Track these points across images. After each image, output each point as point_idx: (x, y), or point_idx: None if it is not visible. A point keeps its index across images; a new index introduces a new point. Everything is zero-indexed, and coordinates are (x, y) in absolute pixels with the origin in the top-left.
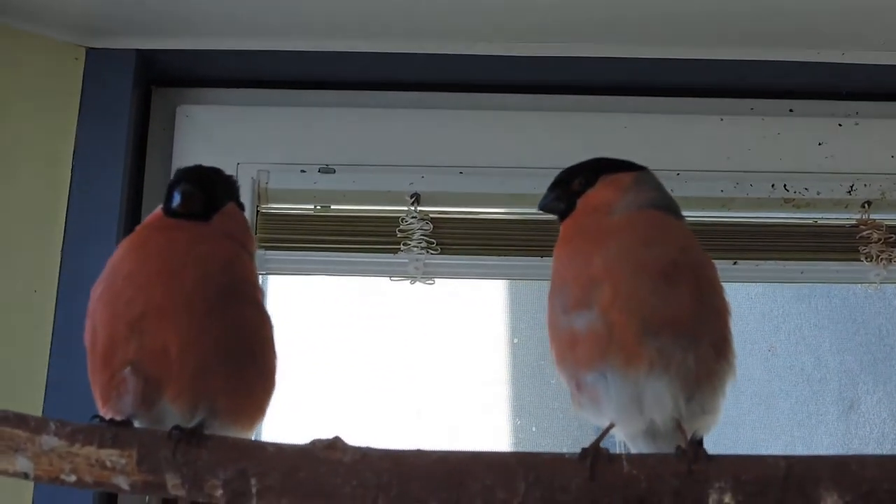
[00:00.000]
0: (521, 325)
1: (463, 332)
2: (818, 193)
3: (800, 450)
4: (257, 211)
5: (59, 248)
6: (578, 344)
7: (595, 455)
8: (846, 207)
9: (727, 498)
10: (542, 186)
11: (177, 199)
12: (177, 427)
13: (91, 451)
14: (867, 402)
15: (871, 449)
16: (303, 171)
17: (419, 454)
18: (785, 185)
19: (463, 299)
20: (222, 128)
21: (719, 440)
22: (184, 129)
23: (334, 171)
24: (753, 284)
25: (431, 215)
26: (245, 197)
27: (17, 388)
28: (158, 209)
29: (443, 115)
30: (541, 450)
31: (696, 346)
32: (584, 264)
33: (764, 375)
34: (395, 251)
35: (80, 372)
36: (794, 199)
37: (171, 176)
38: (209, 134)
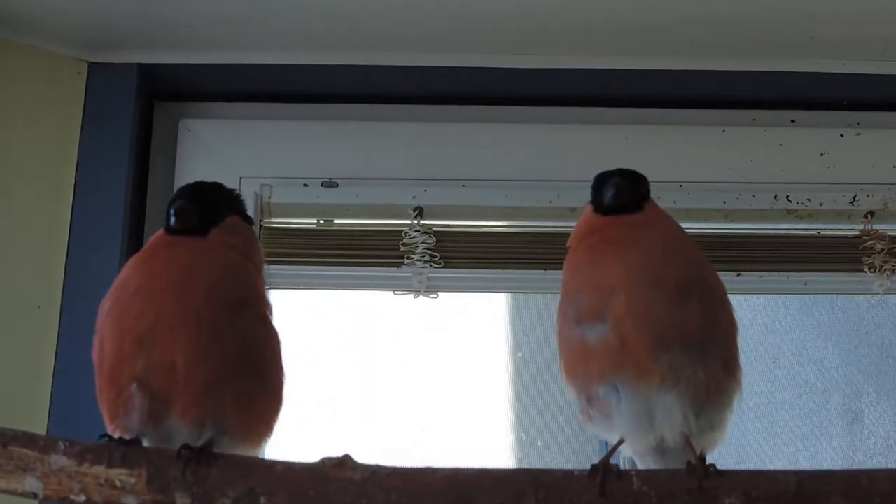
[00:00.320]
0: (525, 339)
1: (467, 347)
2: (821, 204)
3: (804, 462)
4: (260, 225)
5: (63, 263)
6: (591, 356)
7: (605, 472)
8: (849, 218)
9: None
10: (544, 199)
11: (172, 217)
12: (186, 446)
13: (100, 470)
14: (871, 414)
15: (875, 461)
16: (306, 185)
17: (428, 472)
18: (787, 196)
19: (467, 313)
20: (225, 142)
21: (723, 453)
22: (186, 144)
23: (337, 185)
24: (756, 296)
25: (435, 229)
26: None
27: (21, 405)
28: (161, 230)
29: (446, 129)
30: (547, 465)
31: (707, 361)
32: (604, 271)
33: (767, 387)
34: (399, 265)
35: (83, 389)
36: (796, 210)
37: (174, 190)
38: (212, 148)
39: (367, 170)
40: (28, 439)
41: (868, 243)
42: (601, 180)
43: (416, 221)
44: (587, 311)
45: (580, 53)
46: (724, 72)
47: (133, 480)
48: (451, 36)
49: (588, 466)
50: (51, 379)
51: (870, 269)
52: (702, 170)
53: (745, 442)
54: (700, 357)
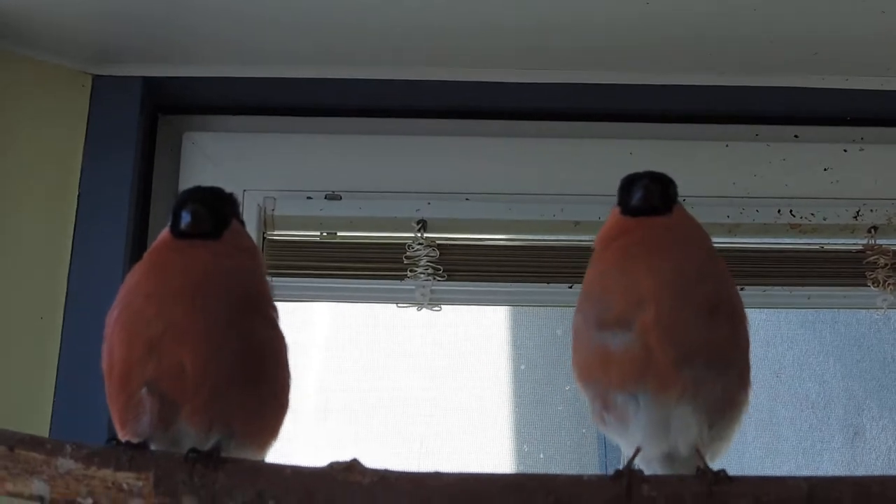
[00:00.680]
0: (528, 352)
1: (470, 359)
2: (824, 219)
3: None
4: (263, 238)
5: (66, 275)
6: (611, 363)
7: (630, 476)
8: (852, 233)
9: None
10: (548, 213)
11: (186, 220)
12: (193, 450)
13: (108, 473)
14: (872, 429)
15: None
16: (309, 198)
17: (437, 476)
18: (791, 211)
19: (470, 326)
20: (228, 155)
21: (724, 466)
22: (190, 156)
23: (340, 198)
24: (759, 310)
25: (438, 242)
26: (251, 224)
27: (24, 414)
28: (165, 232)
29: (449, 142)
30: None
31: (726, 376)
32: (635, 279)
33: (769, 402)
34: (402, 278)
35: (85, 398)
36: (800, 225)
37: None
38: (215, 161)
39: (370, 183)
40: (35, 443)
41: (871, 258)
42: (630, 181)
43: (419, 234)
44: (612, 317)
45: (585, 68)
46: (728, 87)
47: (140, 484)
48: (454, 50)
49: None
50: (53, 389)
51: (873, 283)
52: (705, 184)
53: (746, 456)
54: (721, 371)
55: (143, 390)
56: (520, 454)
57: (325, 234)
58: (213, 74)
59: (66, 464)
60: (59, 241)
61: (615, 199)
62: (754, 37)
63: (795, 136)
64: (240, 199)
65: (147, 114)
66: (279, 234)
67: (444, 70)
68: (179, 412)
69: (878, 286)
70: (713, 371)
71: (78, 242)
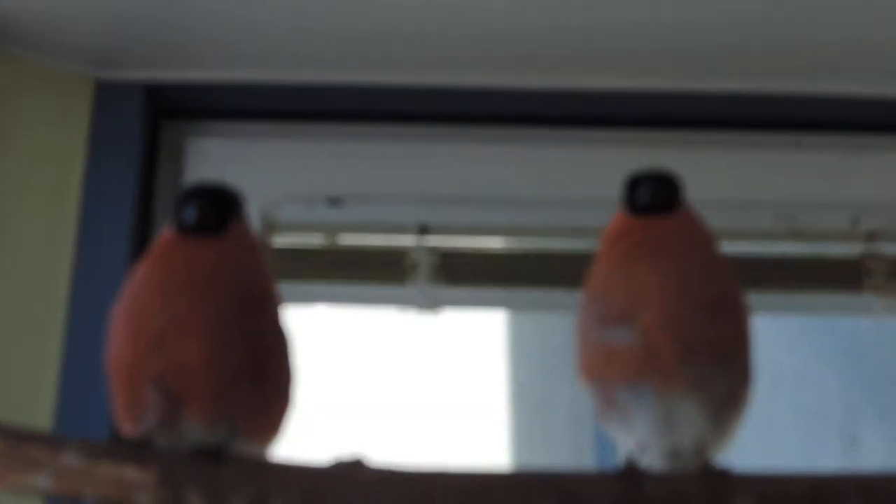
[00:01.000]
0: (527, 357)
1: (470, 365)
2: (823, 225)
3: None
4: (266, 242)
5: (68, 278)
6: (615, 359)
7: (634, 472)
8: (851, 239)
9: None
10: (548, 219)
11: (190, 215)
12: (198, 445)
13: (112, 468)
14: (869, 438)
15: None
16: (311, 203)
17: (442, 474)
18: (791, 217)
19: (470, 332)
20: (231, 160)
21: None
22: (192, 162)
23: (342, 203)
24: (757, 317)
25: (439, 247)
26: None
27: (27, 411)
28: (169, 229)
29: (450, 148)
30: None
31: (729, 372)
32: (637, 278)
33: (766, 410)
34: (403, 282)
35: (87, 395)
36: (799, 231)
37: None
38: (218, 166)
39: (371, 188)
40: (40, 437)
41: (869, 265)
42: (636, 181)
43: (420, 239)
44: (615, 315)
45: (585, 75)
46: (727, 94)
47: (144, 479)
48: (455, 56)
49: None
50: (55, 386)
51: (871, 289)
52: (705, 190)
53: (743, 463)
54: (724, 368)
55: (148, 387)
56: (518, 458)
57: (326, 238)
58: (216, 80)
59: (70, 459)
60: (61, 244)
61: (616, 205)
62: (755, 44)
63: (797, 143)
64: (245, 207)
65: (149, 118)
66: (281, 240)
67: (447, 76)
68: (184, 408)
69: (875, 292)
70: (716, 367)
71: (80, 245)
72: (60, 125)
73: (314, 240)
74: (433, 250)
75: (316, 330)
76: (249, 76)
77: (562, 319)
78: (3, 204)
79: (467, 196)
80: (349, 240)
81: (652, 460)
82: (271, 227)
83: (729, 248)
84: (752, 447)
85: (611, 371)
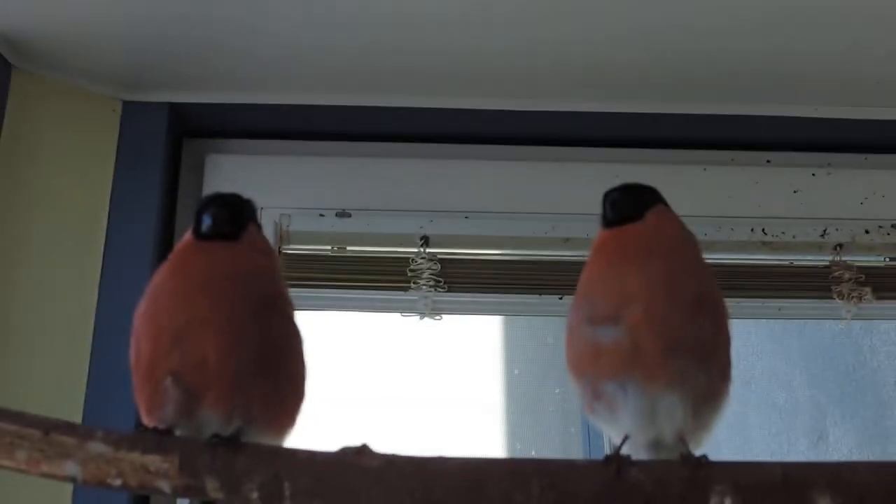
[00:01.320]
0: (521, 358)
1: (467, 365)
2: (794, 237)
3: None
4: (279, 252)
5: (97, 285)
6: (602, 355)
7: (619, 460)
8: (819, 250)
9: (727, 501)
10: (540, 230)
11: (207, 223)
12: (216, 435)
13: (136, 456)
14: (835, 434)
15: None
16: (321, 215)
17: (441, 460)
18: (763, 230)
19: (468, 335)
20: (247, 175)
21: None
22: (212, 177)
23: (350, 216)
24: (732, 322)
25: (439, 256)
26: (268, 239)
27: (59, 406)
28: (188, 235)
29: (450, 165)
30: None
31: (709, 367)
32: (622, 280)
33: (740, 408)
34: (406, 289)
35: (114, 390)
36: (771, 243)
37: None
38: (235, 181)
39: (377, 202)
40: (69, 428)
41: (837, 273)
42: (604, 197)
43: (422, 249)
44: (602, 313)
45: (574, 97)
46: (705, 115)
47: (166, 466)
48: (456, 80)
49: None
50: (84, 392)
51: (838, 296)
52: (684, 205)
53: (718, 458)
54: (703, 364)
55: (168, 380)
56: (512, 451)
57: (335, 248)
58: (234, 101)
59: (97, 447)
60: (91, 251)
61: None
62: (730, 69)
63: (767, 161)
64: (258, 216)
65: (172, 137)
66: (293, 249)
67: (446, 98)
68: (202, 400)
69: (842, 299)
70: (697, 363)
71: (108, 254)
72: (91, 142)
73: (324, 249)
74: (434, 259)
75: (328, 333)
76: (264, 99)
77: (552, 322)
78: (39, 214)
79: (465, 209)
80: (356, 249)
81: (636, 450)
82: (284, 237)
83: (707, 258)
84: (726, 443)
85: (598, 366)
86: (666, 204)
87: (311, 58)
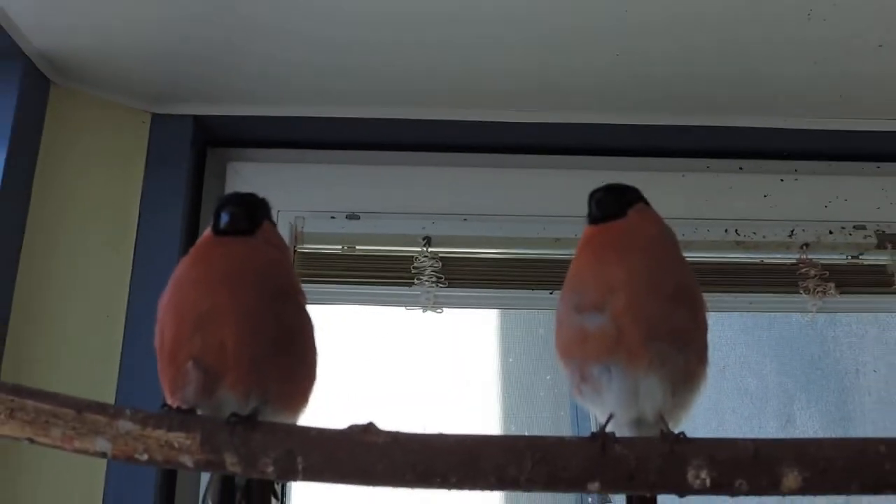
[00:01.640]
0: (515, 348)
1: (466, 354)
2: (764, 237)
3: None
4: (294, 251)
5: (128, 282)
6: (588, 340)
7: (604, 437)
8: (787, 249)
9: (703, 474)
10: (532, 231)
11: (225, 219)
12: (234, 414)
13: (161, 433)
14: (802, 417)
15: None
16: (333, 218)
17: (441, 437)
18: (736, 230)
19: (467, 326)
20: (266, 181)
21: None
22: (233, 182)
23: (359, 218)
24: (708, 314)
25: (440, 255)
26: (284, 239)
27: (95, 390)
28: (208, 231)
29: (450, 172)
30: None
31: (687, 351)
32: (606, 272)
33: (715, 394)
34: (410, 285)
35: (142, 375)
36: (743, 242)
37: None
38: (255, 187)
39: (384, 205)
40: (100, 407)
41: (803, 270)
42: (590, 196)
43: (424, 248)
44: (588, 302)
45: (564, 110)
46: (684, 126)
47: (189, 442)
48: (454, 94)
49: None
50: (116, 375)
51: (805, 291)
52: (664, 208)
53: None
54: (681, 348)
55: (190, 364)
56: (507, 432)
57: (345, 247)
58: (253, 114)
59: (125, 425)
60: (123, 251)
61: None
62: (706, 83)
63: (740, 168)
64: (274, 218)
65: (197, 146)
66: (307, 248)
67: (447, 111)
68: (221, 382)
69: (808, 293)
70: (676, 347)
71: (138, 251)
72: (123, 150)
73: (335, 249)
74: (435, 258)
75: (339, 324)
76: (281, 112)
77: (543, 315)
78: (76, 215)
79: (464, 212)
80: (364, 249)
81: (619, 428)
82: (299, 237)
83: (686, 256)
84: (703, 426)
85: (585, 351)
86: (647, 202)
87: (321, 76)
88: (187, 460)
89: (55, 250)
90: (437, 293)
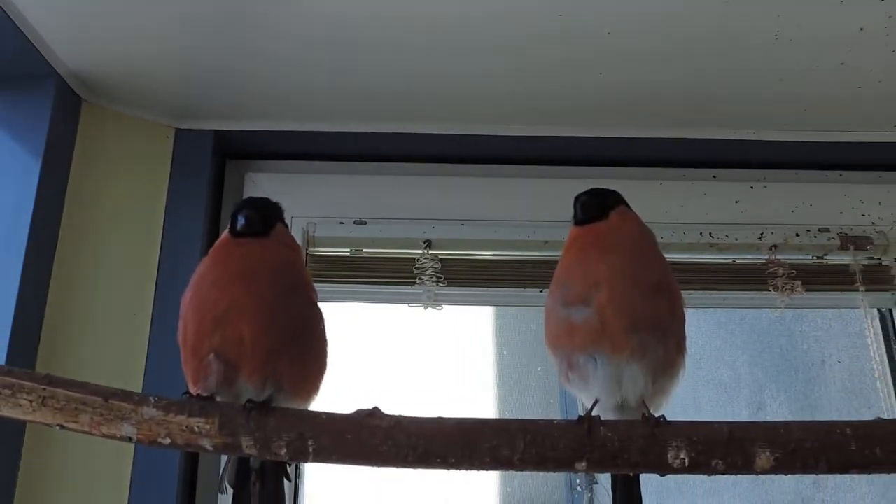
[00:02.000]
0: (509, 342)
1: (464, 347)
2: (736, 239)
3: None
4: (306, 253)
5: (153, 284)
6: (575, 332)
7: (590, 420)
8: (758, 250)
9: (682, 454)
10: (524, 235)
11: (241, 222)
12: (250, 400)
13: (182, 419)
14: (771, 405)
15: None
16: (341, 223)
17: (440, 420)
18: (710, 233)
19: (464, 322)
20: (280, 190)
21: None
22: (250, 192)
23: (366, 223)
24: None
25: (440, 256)
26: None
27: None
28: (225, 233)
29: (449, 181)
30: None
31: (666, 341)
32: (591, 269)
33: (692, 384)
34: (412, 284)
35: (165, 373)
36: (717, 244)
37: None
38: (270, 195)
39: (388, 211)
40: (126, 395)
41: (772, 270)
42: (575, 200)
43: (425, 251)
44: (574, 296)
45: (552, 125)
46: (661, 139)
47: (208, 427)
48: (452, 112)
49: None
50: (143, 368)
51: (773, 289)
52: (644, 213)
53: None
54: (661, 338)
55: (211, 356)
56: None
57: (353, 250)
58: (269, 129)
59: (149, 412)
60: (148, 258)
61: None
62: (682, 101)
63: (713, 177)
64: (288, 223)
65: (217, 158)
66: (318, 251)
67: (445, 126)
68: (240, 372)
69: (777, 291)
70: (656, 337)
71: (164, 255)
72: (149, 163)
73: (344, 251)
74: (436, 259)
75: (347, 320)
76: (295, 126)
77: (535, 312)
78: (106, 223)
79: (462, 218)
80: (371, 251)
81: (604, 412)
82: (311, 241)
83: (664, 256)
84: (680, 414)
85: (572, 342)
86: (627, 205)
87: (330, 96)
88: (207, 443)
89: (86, 253)
90: (437, 292)
